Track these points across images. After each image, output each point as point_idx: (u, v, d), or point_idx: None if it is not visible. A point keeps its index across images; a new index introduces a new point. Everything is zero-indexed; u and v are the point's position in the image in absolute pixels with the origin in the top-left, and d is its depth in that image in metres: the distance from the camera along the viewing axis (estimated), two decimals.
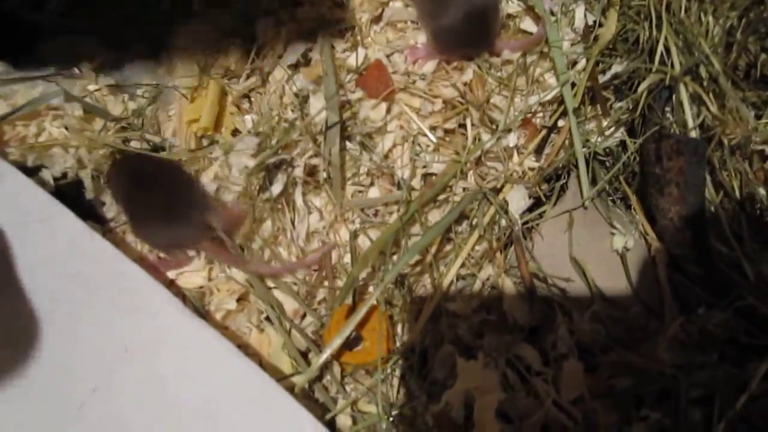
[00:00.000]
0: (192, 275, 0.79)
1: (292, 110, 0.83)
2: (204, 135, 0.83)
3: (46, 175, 0.79)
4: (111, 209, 0.83)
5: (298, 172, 0.80)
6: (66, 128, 0.81)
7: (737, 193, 0.86)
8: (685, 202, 0.82)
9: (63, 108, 0.83)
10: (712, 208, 0.86)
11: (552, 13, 0.88)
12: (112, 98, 0.86)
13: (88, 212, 0.81)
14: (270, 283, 0.79)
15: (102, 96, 0.85)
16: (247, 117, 0.83)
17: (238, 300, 0.79)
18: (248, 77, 0.86)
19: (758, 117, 0.87)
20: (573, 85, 0.86)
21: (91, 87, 0.85)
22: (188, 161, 0.81)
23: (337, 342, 0.74)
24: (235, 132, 0.84)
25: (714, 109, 0.84)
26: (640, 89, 0.86)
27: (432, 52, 0.85)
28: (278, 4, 0.89)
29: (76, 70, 0.87)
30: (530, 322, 0.82)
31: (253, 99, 0.85)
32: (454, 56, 0.87)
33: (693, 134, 0.84)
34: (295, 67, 0.85)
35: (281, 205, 0.81)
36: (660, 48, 0.86)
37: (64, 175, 0.81)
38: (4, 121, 0.81)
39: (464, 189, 0.84)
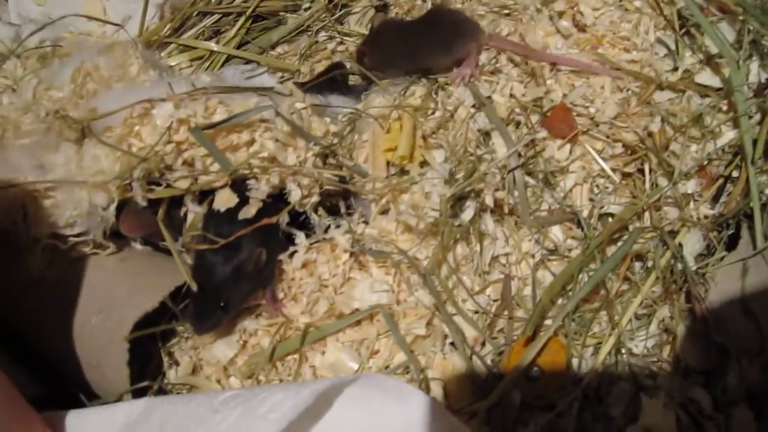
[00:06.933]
0: (380, 295, 0.82)
1: (477, 146, 0.87)
2: (395, 164, 0.88)
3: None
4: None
5: (488, 200, 0.83)
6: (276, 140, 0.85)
7: None
8: None
9: (274, 122, 0.86)
10: None
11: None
12: (316, 118, 0.91)
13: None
14: (452, 310, 0.82)
15: (308, 115, 0.90)
16: (435, 152, 0.87)
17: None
18: (434, 113, 0.91)
19: None
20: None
21: (299, 105, 0.90)
22: (382, 188, 0.86)
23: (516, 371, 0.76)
24: (423, 164, 0.88)
25: None
26: None
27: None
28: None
29: (288, 88, 0.94)
30: (702, 366, 0.83)
31: (439, 134, 0.90)
32: None
33: None
34: (475, 108, 0.89)
35: (468, 233, 0.85)
36: None
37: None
38: (220, 127, 0.84)
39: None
